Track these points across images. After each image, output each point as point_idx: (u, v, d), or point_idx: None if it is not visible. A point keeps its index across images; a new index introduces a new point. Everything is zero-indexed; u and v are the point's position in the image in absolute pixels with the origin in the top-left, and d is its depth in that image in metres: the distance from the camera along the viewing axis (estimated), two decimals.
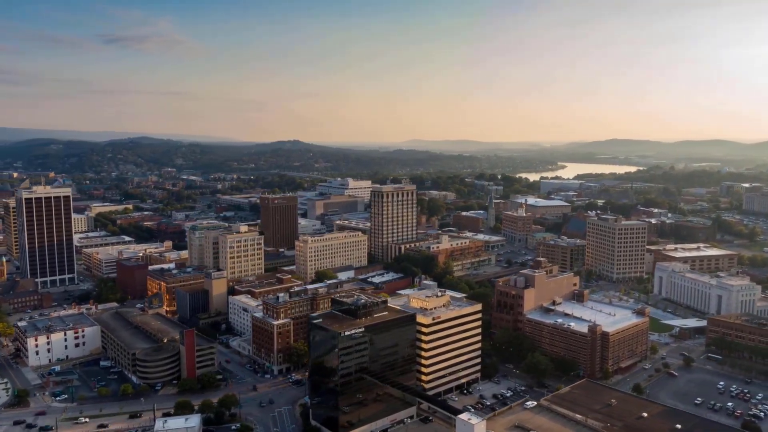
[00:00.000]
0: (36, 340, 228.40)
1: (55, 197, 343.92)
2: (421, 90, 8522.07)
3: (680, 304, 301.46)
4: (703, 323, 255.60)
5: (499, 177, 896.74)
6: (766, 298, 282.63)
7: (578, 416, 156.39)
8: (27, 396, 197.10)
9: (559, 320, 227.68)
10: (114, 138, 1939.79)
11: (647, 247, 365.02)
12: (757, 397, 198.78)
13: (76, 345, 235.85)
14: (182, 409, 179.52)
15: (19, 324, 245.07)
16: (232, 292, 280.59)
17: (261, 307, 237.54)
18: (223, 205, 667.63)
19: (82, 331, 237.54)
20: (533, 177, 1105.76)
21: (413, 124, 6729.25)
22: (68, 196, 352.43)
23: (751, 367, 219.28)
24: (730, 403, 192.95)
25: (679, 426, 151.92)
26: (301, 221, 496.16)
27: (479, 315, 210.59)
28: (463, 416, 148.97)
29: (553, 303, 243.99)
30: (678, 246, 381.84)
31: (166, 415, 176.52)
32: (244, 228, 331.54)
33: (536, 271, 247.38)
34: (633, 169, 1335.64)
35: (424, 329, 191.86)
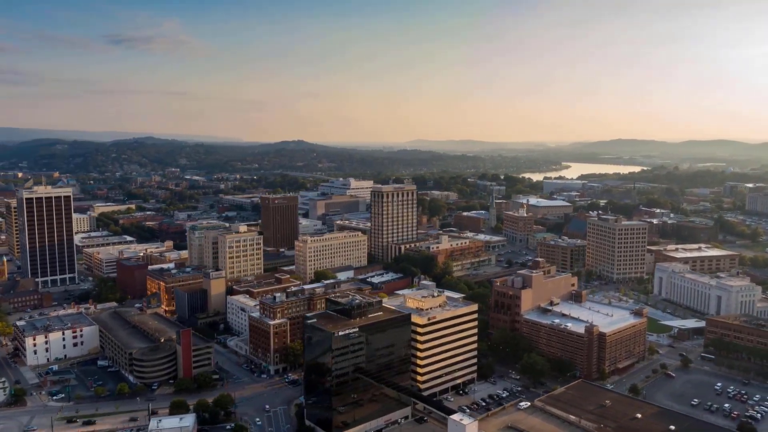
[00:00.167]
0: (34, 339, 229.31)
1: (55, 197, 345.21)
2: (425, 90, 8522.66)
3: (680, 304, 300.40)
4: (702, 324, 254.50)
5: (502, 177, 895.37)
6: (766, 299, 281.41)
7: (572, 417, 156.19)
8: (24, 395, 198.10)
9: (556, 321, 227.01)
10: (119, 138, 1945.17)
11: (648, 247, 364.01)
12: (755, 398, 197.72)
13: (75, 344, 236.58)
14: (177, 409, 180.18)
15: (18, 323, 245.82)
16: (230, 292, 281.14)
17: (258, 307, 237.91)
18: (226, 205, 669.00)
19: (81, 331, 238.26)
20: (537, 177, 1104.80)
21: (417, 125, 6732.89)
22: (69, 196, 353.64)
23: (749, 368, 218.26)
24: (727, 405, 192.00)
25: (672, 427, 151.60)
26: (303, 221, 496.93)
27: (475, 315, 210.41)
28: (455, 417, 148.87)
29: (551, 303, 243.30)
30: (679, 246, 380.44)
31: (161, 414, 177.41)
32: (243, 228, 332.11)
33: (534, 271, 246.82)
34: (637, 169, 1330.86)
35: (419, 329, 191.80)
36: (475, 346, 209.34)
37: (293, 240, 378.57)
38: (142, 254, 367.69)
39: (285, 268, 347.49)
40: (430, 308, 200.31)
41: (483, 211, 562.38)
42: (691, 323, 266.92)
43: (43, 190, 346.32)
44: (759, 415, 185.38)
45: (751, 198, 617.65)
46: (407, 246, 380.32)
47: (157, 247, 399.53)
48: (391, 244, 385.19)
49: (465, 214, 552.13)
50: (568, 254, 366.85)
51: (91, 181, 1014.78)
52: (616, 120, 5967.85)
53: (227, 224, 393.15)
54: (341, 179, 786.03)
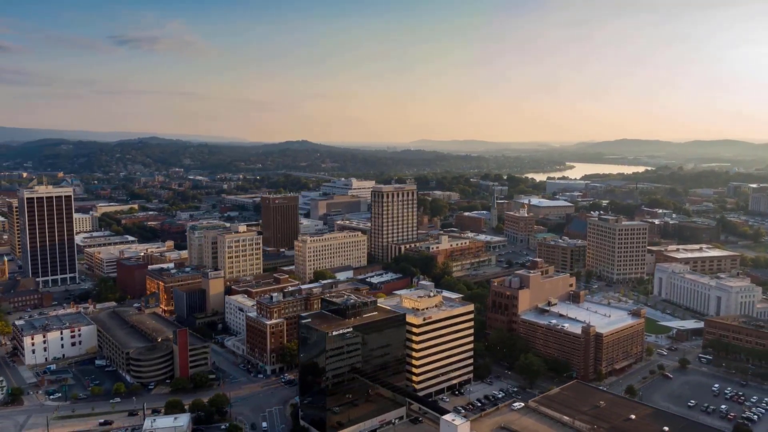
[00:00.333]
0: (32, 338, 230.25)
1: (56, 197, 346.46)
2: (430, 90, 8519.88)
3: (680, 305, 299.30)
4: (701, 325, 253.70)
5: (505, 177, 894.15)
6: (766, 299, 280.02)
7: (565, 418, 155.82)
8: (21, 394, 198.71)
9: (554, 321, 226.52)
10: (124, 138, 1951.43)
11: (649, 247, 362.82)
12: (752, 399, 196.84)
13: (73, 344, 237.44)
14: (172, 409, 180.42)
15: (17, 323, 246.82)
16: (229, 291, 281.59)
17: (255, 306, 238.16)
18: (228, 205, 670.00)
19: (79, 330, 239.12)
20: (540, 177, 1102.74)
21: (421, 125, 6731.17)
22: (69, 196, 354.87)
23: (747, 370, 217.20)
24: (723, 406, 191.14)
25: (666, 428, 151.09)
26: (304, 221, 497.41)
27: (471, 316, 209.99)
28: (447, 417, 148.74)
29: (549, 304, 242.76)
30: (680, 247, 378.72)
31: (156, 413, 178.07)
32: (242, 228, 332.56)
33: (531, 271, 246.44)
34: (641, 169, 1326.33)
35: (414, 329, 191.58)
36: (471, 346, 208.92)
37: (293, 240, 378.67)
38: (142, 254, 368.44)
39: (285, 268, 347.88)
40: (426, 308, 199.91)
41: (485, 212, 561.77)
42: (690, 324, 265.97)
43: (44, 190, 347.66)
44: (756, 416, 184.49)
45: (754, 198, 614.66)
46: (407, 246, 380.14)
47: (157, 247, 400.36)
48: (391, 244, 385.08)
49: (466, 214, 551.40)
50: (568, 254, 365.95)
51: (95, 181, 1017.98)
52: (622, 120, 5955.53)
53: (227, 224, 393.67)
54: (343, 179, 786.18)
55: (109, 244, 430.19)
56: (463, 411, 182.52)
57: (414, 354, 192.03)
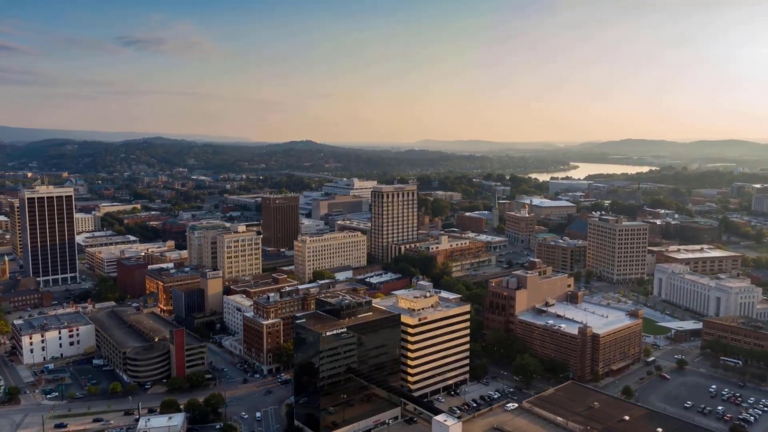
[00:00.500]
0: (31, 338, 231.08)
1: (57, 197, 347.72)
2: (435, 91, 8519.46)
3: (679, 306, 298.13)
4: (700, 326, 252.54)
5: (507, 177, 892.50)
6: (767, 300, 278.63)
7: (559, 419, 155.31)
8: (18, 394, 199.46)
9: (551, 321, 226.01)
10: (129, 138, 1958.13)
11: (649, 248, 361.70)
12: (749, 400, 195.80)
13: (71, 343, 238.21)
14: (167, 408, 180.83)
15: (16, 322, 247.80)
16: (227, 291, 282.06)
17: (252, 306, 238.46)
18: (230, 205, 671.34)
19: (77, 330, 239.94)
20: (544, 177, 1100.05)
21: (426, 125, 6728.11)
22: (70, 196, 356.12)
23: (745, 371, 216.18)
24: (720, 407, 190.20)
25: (660, 429, 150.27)
26: (305, 221, 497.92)
27: (467, 316, 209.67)
28: (439, 418, 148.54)
29: (546, 304, 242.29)
30: (681, 247, 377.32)
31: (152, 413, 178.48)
32: (241, 228, 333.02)
33: (529, 272, 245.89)
34: (645, 169, 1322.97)
35: (410, 330, 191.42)
36: (467, 346, 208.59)
37: (294, 240, 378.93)
38: (143, 254, 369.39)
39: (285, 268, 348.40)
40: (422, 309, 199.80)
41: (486, 212, 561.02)
42: (689, 325, 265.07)
43: (44, 190, 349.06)
44: (752, 418, 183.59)
45: (757, 198, 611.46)
46: (407, 246, 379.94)
47: (158, 247, 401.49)
48: (391, 245, 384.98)
49: (467, 214, 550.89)
50: (568, 255, 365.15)
51: (99, 181, 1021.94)
52: (627, 120, 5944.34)
53: (227, 224, 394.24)
54: (345, 179, 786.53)
55: (111, 243, 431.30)
56: (458, 411, 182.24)
57: (409, 354, 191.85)
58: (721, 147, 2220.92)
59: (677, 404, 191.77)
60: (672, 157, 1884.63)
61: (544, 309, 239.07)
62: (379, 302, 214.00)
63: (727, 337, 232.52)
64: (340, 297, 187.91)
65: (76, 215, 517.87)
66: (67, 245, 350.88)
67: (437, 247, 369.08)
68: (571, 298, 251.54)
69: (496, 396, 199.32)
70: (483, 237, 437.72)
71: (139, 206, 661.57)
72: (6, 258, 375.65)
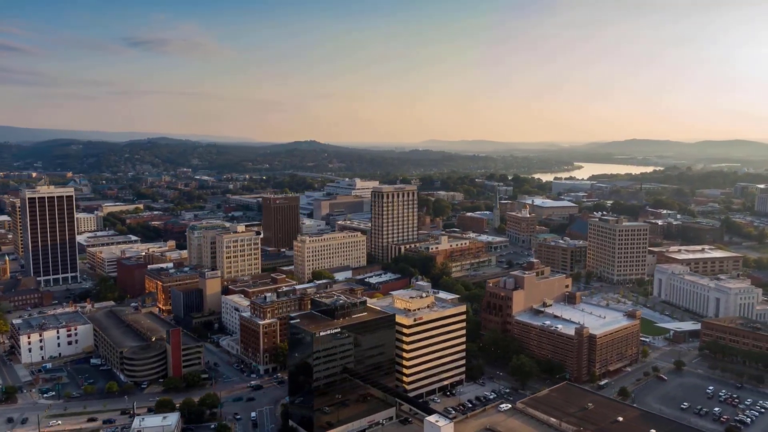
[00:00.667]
0: (29, 337, 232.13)
1: (58, 197, 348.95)
2: (439, 91, 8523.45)
3: (679, 306, 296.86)
4: (699, 326, 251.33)
5: (510, 178, 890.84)
6: (767, 301, 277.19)
7: (552, 419, 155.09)
8: (15, 393, 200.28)
9: (548, 322, 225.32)
10: (134, 138, 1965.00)
11: (650, 248, 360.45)
12: (746, 402, 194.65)
13: (69, 343, 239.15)
14: (163, 408, 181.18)
15: (14, 321, 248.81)
16: (226, 291, 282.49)
17: (249, 306, 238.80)
18: (232, 205, 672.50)
19: (75, 330, 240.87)
20: (548, 177, 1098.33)
21: (430, 125, 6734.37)
22: (71, 196, 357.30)
23: (743, 372, 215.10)
24: (717, 408, 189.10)
25: (653, 431, 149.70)
26: (307, 221, 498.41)
27: (464, 317, 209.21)
28: (431, 418, 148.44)
29: (544, 305, 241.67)
30: (682, 248, 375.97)
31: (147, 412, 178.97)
32: (240, 228, 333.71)
33: (526, 272, 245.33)
34: (650, 169, 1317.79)
35: (405, 330, 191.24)
36: (463, 347, 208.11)
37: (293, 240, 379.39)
38: (143, 254, 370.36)
39: (284, 268, 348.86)
40: (418, 309, 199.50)
41: (488, 212, 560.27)
42: (688, 326, 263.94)
43: (45, 190, 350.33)
44: (749, 419, 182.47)
45: (760, 199, 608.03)
46: (407, 246, 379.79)
47: (159, 247, 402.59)
48: (391, 245, 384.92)
49: (469, 214, 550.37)
50: (569, 255, 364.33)
51: (104, 181, 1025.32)
52: (632, 120, 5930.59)
53: (226, 224, 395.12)
54: (347, 180, 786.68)
55: (112, 243, 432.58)
56: (453, 412, 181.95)
57: (405, 354, 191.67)
58: (726, 147, 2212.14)
59: (674, 405, 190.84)
60: (677, 157, 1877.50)
61: (542, 309, 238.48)
62: (376, 302, 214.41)
63: (725, 338, 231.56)
64: (335, 297, 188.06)
65: (79, 215, 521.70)
66: (68, 245, 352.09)
67: (437, 248, 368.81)
68: (569, 299, 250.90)
69: (492, 397, 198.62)
70: (484, 237, 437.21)
71: (141, 206, 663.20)
72: (7, 257, 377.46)
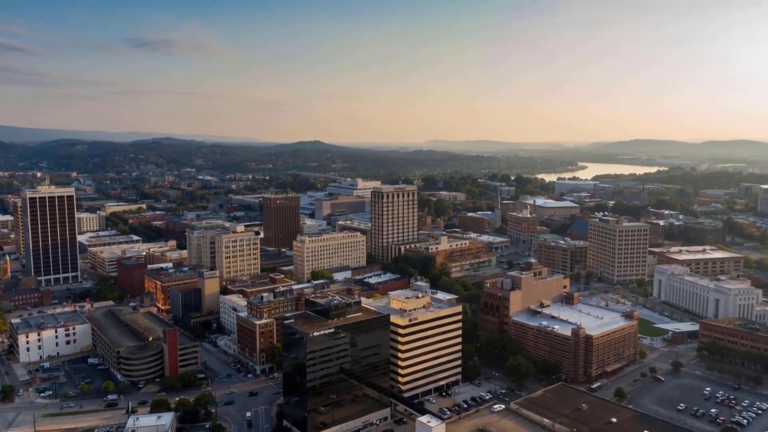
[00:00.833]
0: (27, 336, 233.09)
1: (59, 197, 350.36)
2: (442, 91, 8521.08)
3: (679, 307, 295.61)
4: (697, 327, 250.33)
5: (513, 178, 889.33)
6: (767, 302, 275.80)
7: (546, 420, 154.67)
8: (12, 392, 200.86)
9: (544, 323, 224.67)
10: (139, 138, 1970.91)
11: (651, 249, 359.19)
12: (743, 403, 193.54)
13: (67, 342, 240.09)
14: (158, 407, 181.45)
15: (13, 321, 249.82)
16: (225, 291, 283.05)
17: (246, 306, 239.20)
18: (234, 205, 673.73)
19: (73, 329, 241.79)
20: (551, 178, 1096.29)
21: (434, 125, 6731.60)
22: (71, 196, 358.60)
23: (740, 373, 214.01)
24: (713, 410, 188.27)
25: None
26: (308, 221, 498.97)
27: (459, 317, 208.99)
28: (423, 419, 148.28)
29: (541, 305, 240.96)
30: (683, 248, 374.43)
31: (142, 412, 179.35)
32: (240, 228, 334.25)
33: (523, 272, 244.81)
34: (654, 169, 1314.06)
35: (400, 330, 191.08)
36: (459, 347, 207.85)
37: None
38: (144, 253, 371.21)
39: (284, 269, 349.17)
40: (413, 309, 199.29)
41: (489, 212, 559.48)
42: (686, 326, 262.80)
43: (46, 190, 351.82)
44: (745, 420, 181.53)
45: (764, 199, 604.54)
46: (407, 247, 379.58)
47: (160, 247, 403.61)
48: (391, 245, 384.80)
49: (470, 214, 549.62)
50: (569, 256, 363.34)
51: (108, 181, 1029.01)
52: (636, 120, 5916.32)
53: (226, 224, 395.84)
54: (349, 180, 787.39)
55: (114, 243, 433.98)
56: (448, 412, 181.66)
57: (400, 355, 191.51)
58: (731, 147, 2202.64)
59: (670, 407, 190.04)
60: (682, 157, 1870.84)
61: (539, 310, 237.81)
62: (372, 302, 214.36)
63: (723, 339, 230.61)
64: (329, 297, 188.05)
65: (82, 215, 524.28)
66: (69, 245, 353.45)
67: (437, 248, 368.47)
68: (567, 300, 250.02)
69: (487, 397, 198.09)
70: (484, 237, 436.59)
71: (144, 206, 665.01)
72: (8, 257, 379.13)
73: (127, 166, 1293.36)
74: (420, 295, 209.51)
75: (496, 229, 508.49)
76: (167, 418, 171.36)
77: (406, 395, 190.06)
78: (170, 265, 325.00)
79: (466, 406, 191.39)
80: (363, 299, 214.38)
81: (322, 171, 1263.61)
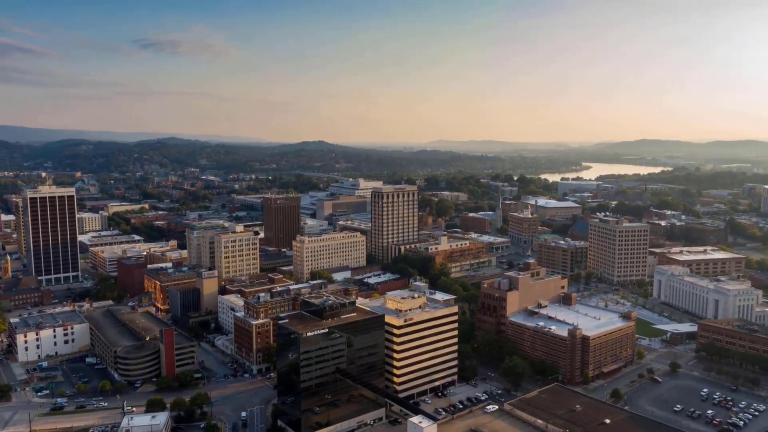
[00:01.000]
0: (25, 336, 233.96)
1: (59, 197, 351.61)
2: (447, 91, 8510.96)
3: (678, 308, 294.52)
4: (696, 328, 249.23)
5: (515, 178, 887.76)
6: (767, 303, 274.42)
7: (539, 421, 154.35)
8: (9, 391, 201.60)
9: (541, 323, 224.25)
10: (144, 139, 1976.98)
11: (651, 249, 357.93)
12: (740, 405, 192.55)
13: (65, 342, 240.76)
14: (153, 407, 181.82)
15: (12, 320, 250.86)
16: (223, 291, 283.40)
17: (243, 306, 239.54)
18: (237, 205, 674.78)
19: (71, 329, 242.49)
20: (555, 178, 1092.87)
21: (439, 125, 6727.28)
22: (72, 196, 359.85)
23: (738, 374, 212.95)
24: (710, 411, 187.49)
25: None
26: (309, 221, 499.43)
27: (455, 317, 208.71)
28: (414, 419, 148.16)
29: (539, 306, 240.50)
30: (684, 249, 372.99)
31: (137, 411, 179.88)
32: (239, 228, 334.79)
33: (521, 273, 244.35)
34: (658, 170, 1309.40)
35: (395, 331, 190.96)
36: (455, 348, 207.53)
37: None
38: (144, 253, 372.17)
39: (284, 269, 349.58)
40: (409, 310, 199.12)
41: (491, 212, 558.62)
42: (685, 327, 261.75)
43: (47, 190, 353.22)
44: (742, 422, 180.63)
45: (767, 200, 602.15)
46: (407, 247, 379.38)
47: (161, 247, 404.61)
48: (390, 245, 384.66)
49: (471, 215, 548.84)
50: (569, 256, 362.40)
51: (112, 181, 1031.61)
52: (641, 121, 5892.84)
53: (226, 224, 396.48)
54: (351, 180, 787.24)
55: (115, 243, 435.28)
56: (443, 413, 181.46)
57: (395, 355, 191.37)
58: (736, 147, 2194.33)
59: (666, 408, 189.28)
60: (687, 157, 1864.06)
61: (536, 310, 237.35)
62: (368, 303, 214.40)
63: (721, 340, 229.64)
64: (324, 297, 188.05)
65: (84, 215, 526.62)
66: (69, 244, 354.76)
67: (437, 248, 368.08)
68: (565, 300, 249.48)
69: (483, 398, 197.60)
70: (485, 238, 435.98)
71: (147, 206, 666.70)
72: (8, 257, 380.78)
73: (131, 166, 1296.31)
74: (416, 295, 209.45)
75: (497, 229, 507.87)
76: (162, 418, 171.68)
77: (401, 396, 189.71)
78: (170, 265, 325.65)
79: (461, 406, 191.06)
80: (360, 299, 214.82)
81: (326, 171, 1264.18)
